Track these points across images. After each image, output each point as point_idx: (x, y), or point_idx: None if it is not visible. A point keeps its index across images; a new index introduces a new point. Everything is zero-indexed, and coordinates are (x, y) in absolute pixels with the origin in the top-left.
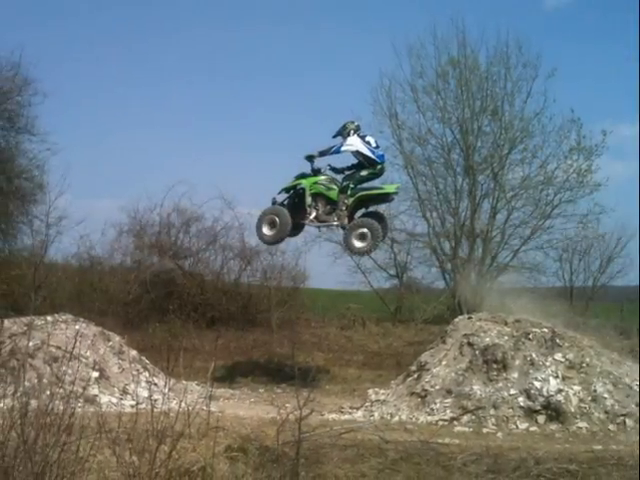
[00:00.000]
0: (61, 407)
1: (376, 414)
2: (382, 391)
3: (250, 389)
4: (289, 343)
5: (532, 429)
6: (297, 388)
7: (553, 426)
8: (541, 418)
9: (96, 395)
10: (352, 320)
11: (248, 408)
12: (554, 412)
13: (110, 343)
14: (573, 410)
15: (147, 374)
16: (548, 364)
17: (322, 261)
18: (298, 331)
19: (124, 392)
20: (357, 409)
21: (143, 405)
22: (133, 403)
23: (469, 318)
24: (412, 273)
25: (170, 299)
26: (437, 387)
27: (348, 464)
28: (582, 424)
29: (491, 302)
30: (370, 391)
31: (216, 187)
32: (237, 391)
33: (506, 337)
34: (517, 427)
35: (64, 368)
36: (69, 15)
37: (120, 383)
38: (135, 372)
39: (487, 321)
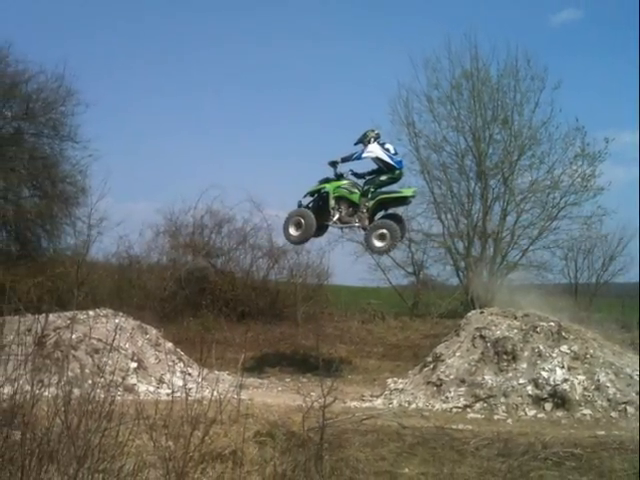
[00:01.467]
0: (102, 395)
1: (395, 402)
2: (400, 380)
3: (277, 379)
4: (314, 336)
5: (540, 416)
6: (321, 378)
7: (559, 413)
8: (548, 405)
9: (134, 384)
10: (372, 314)
11: (275, 396)
12: (560, 400)
13: (147, 336)
14: (578, 398)
15: (182, 365)
16: (554, 355)
17: (344, 259)
18: (322, 325)
19: (160, 381)
20: (377, 397)
21: (178, 393)
22: (169, 392)
23: (481, 312)
24: (428, 271)
25: (203, 295)
26: (451, 377)
27: (368, 448)
28: (586, 411)
29: (501, 298)
30: (389, 380)
31: (246, 191)
32: (265, 380)
33: (515, 330)
34: (526, 414)
35: (105, 359)
36: (108, 30)
37: (157, 373)
38: (171, 363)
39: (498, 315)
